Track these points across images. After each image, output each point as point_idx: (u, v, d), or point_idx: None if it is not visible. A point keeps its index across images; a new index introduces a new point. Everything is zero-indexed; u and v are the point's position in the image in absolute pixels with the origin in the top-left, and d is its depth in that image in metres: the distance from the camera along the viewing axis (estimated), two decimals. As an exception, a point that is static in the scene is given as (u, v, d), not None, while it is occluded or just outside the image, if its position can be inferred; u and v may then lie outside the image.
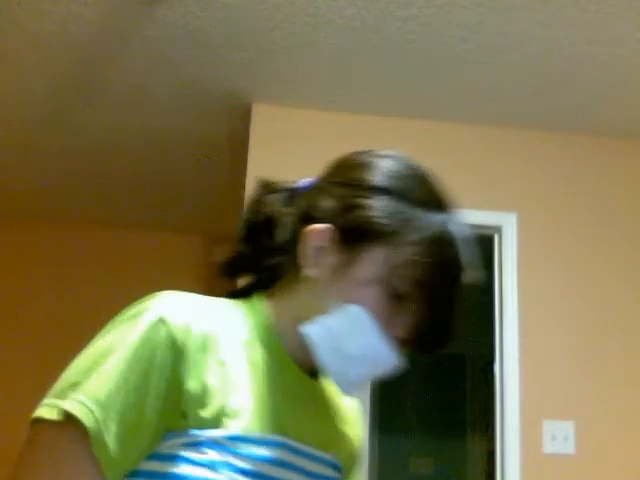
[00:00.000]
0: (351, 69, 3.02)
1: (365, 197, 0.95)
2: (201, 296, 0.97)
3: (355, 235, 0.95)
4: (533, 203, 3.34)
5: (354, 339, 0.93)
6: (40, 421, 0.84)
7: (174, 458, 0.86)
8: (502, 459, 3.07)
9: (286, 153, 3.25)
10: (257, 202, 1.05)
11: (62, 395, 0.84)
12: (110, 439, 0.83)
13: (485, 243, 3.32)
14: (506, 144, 3.40)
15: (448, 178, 3.65)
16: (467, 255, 0.97)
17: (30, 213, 4.62)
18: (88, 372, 0.85)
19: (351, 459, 1.10)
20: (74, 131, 3.58)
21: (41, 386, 0.92)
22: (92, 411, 0.82)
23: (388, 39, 2.79)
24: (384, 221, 0.94)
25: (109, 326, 0.90)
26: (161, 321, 0.88)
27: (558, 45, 2.79)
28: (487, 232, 3.31)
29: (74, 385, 0.84)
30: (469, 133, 3.38)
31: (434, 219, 0.95)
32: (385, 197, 0.95)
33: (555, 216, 3.34)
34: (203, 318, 0.92)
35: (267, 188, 1.06)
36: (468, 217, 3.66)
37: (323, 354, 0.95)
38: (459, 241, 0.96)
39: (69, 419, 0.82)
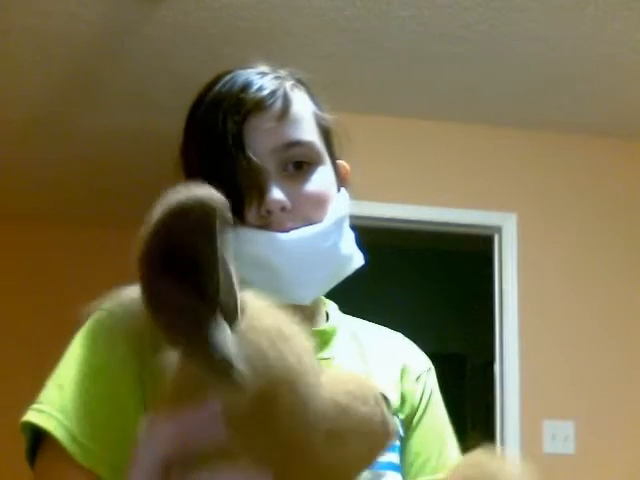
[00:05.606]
0: (351, 69, 3.01)
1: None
2: None
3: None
4: (533, 203, 3.34)
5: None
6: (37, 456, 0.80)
7: None
8: (502, 459, 3.07)
9: (286, 153, 3.25)
10: None
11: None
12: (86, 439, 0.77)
13: (485, 243, 3.33)
14: (506, 144, 3.40)
15: (448, 178, 3.63)
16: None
17: (29, 213, 4.62)
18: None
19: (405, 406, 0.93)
20: (74, 131, 3.58)
21: (36, 384, 0.89)
22: (57, 418, 0.77)
23: (388, 39, 2.79)
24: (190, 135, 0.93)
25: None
26: (102, 315, 0.81)
27: (558, 45, 2.79)
28: (487, 232, 3.31)
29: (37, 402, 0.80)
30: (469, 133, 3.38)
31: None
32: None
33: (555, 216, 3.34)
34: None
35: None
36: (468, 217, 3.60)
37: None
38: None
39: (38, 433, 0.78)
